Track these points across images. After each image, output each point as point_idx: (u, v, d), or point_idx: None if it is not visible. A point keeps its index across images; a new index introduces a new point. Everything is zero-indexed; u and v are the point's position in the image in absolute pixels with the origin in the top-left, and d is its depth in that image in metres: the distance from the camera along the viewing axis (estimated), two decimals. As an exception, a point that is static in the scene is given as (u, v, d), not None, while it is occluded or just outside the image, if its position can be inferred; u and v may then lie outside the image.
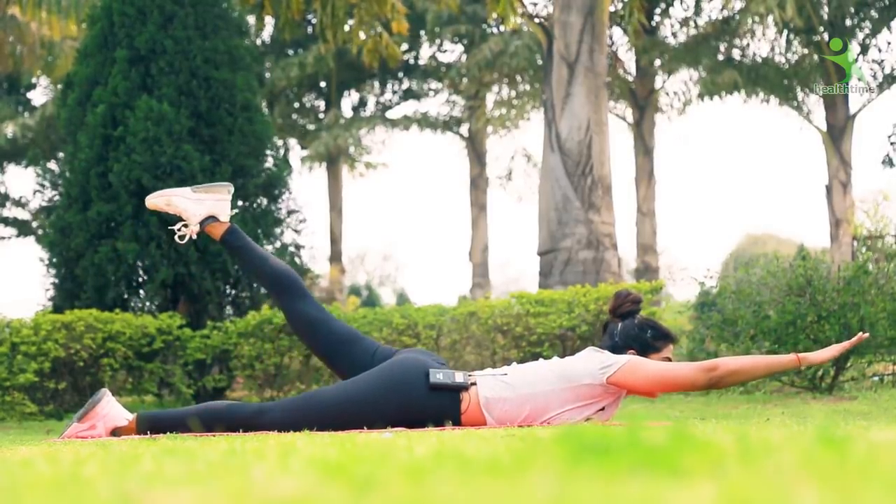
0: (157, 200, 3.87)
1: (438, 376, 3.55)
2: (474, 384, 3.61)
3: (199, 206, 3.84)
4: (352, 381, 3.65)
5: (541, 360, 3.76)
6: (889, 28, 17.66)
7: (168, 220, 7.73)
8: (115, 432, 3.67)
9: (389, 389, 3.55)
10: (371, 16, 10.75)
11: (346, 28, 11.02)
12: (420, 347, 6.96)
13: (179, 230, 3.87)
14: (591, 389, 3.54)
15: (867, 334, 3.87)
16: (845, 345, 3.70)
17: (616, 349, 3.69)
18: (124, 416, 3.69)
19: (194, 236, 3.89)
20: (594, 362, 3.57)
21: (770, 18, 16.72)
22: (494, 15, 11.16)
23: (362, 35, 10.92)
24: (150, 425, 3.66)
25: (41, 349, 6.62)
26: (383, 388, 3.57)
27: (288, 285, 3.82)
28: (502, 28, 19.55)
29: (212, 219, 3.86)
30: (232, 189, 3.92)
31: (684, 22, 18.80)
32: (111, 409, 3.70)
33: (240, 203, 8.38)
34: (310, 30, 20.08)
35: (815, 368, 6.15)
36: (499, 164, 24.80)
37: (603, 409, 3.61)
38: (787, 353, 6.07)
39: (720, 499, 0.86)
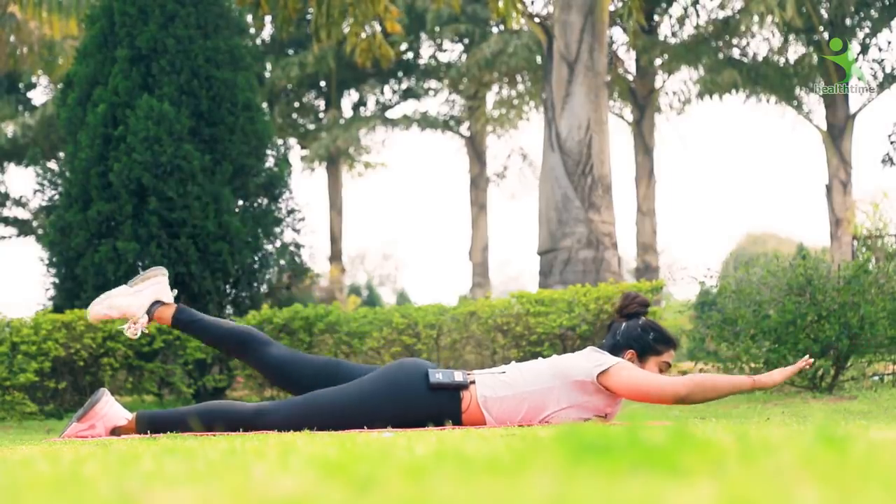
0: (99, 308, 3.77)
1: (438, 376, 3.59)
2: (473, 383, 3.63)
3: (140, 297, 3.76)
4: (352, 385, 3.66)
5: (539, 358, 3.77)
6: (889, 28, 17.65)
7: (169, 220, 7.73)
8: (115, 432, 3.67)
9: (390, 391, 3.57)
10: (365, 16, 10.76)
11: (344, 28, 11.01)
12: (419, 349, 6.97)
13: (128, 329, 3.77)
14: (584, 386, 3.56)
15: (811, 361, 3.81)
16: (793, 369, 3.66)
17: (617, 348, 3.70)
18: (123, 416, 3.70)
19: (146, 329, 3.79)
20: (591, 360, 3.60)
21: (770, 18, 16.71)
22: (495, 15, 11.15)
23: (356, 35, 10.92)
24: (149, 425, 3.66)
25: (41, 349, 6.62)
26: (384, 390, 3.58)
27: (249, 339, 3.77)
28: (502, 28, 19.54)
29: (157, 304, 3.80)
30: (165, 271, 3.84)
31: (681, 20, 18.79)
32: (110, 408, 3.70)
33: (240, 203, 8.38)
34: (309, 29, 20.08)
35: (815, 368, 6.15)
36: (495, 163, 24.82)
37: (605, 416, 3.62)
38: (787, 352, 6.07)
39: (720, 498, 0.86)
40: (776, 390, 6.36)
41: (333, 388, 3.71)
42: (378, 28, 11.45)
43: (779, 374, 3.64)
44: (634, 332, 3.71)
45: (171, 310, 3.81)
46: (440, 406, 3.56)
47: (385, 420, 3.52)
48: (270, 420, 3.58)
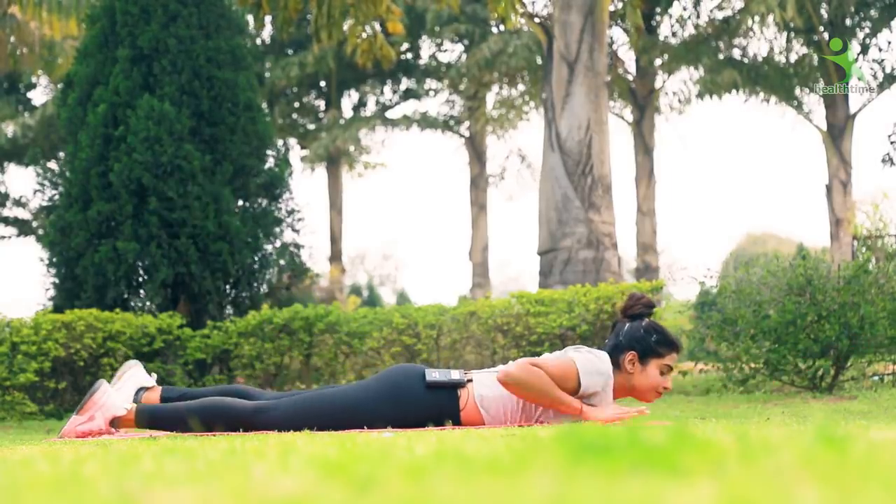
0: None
1: (434, 375, 3.64)
2: (471, 381, 3.65)
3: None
4: (352, 387, 3.71)
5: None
6: (889, 28, 17.65)
7: (169, 220, 7.73)
8: (114, 423, 3.69)
9: (389, 393, 3.61)
10: (366, 16, 10.75)
11: (344, 28, 11.01)
12: (419, 349, 6.97)
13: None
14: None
15: (647, 412, 3.74)
16: (626, 414, 3.51)
17: (618, 349, 3.70)
18: (123, 406, 3.72)
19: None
20: (563, 355, 3.61)
21: (770, 18, 16.72)
22: (495, 15, 11.16)
23: (357, 35, 10.92)
24: (149, 419, 3.68)
25: (41, 349, 6.62)
26: (383, 391, 3.62)
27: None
28: (502, 28, 19.54)
29: (141, 390, 3.80)
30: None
31: (681, 20, 18.79)
32: (108, 398, 3.72)
33: (240, 203, 8.38)
34: (309, 29, 20.07)
35: (814, 368, 6.15)
36: (493, 163, 24.82)
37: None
38: (787, 352, 6.07)
39: (720, 498, 0.86)
40: (776, 390, 6.36)
41: (335, 388, 3.73)
42: (379, 28, 11.45)
43: (608, 415, 3.48)
44: (637, 333, 3.70)
45: (157, 392, 3.84)
46: (438, 405, 3.58)
47: (385, 421, 3.54)
48: (270, 417, 3.60)
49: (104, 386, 3.75)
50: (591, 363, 3.58)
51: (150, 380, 3.87)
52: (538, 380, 3.48)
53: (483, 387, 3.62)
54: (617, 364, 3.67)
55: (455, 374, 3.65)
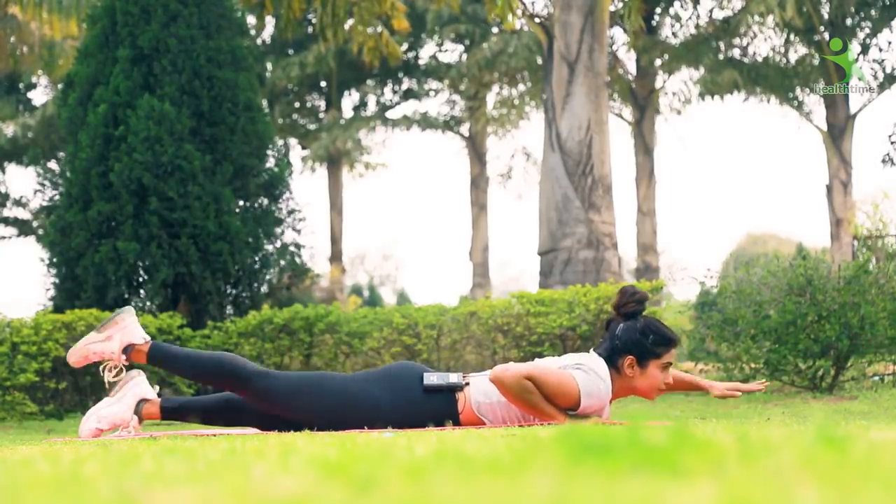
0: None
1: (432, 378, 3.63)
2: (468, 384, 3.63)
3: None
4: (353, 378, 3.71)
5: (536, 360, 3.75)
6: (889, 28, 17.65)
7: (169, 220, 7.73)
8: (127, 350, 3.78)
9: (388, 390, 3.61)
10: (371, 14, 10.76)
11: (346, 27, 11.01)
12: (419, 349, 6.97)
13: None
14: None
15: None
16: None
17: (615, 352, 3.61)
18: (142, 335, 3.82)
19: (140, 428, 3.79)
20: (566, 368, 3.57)
21: (770, 18, 16.72)
22: (492, 16, 11.16)
23: (362, 33, 10.92)
24: (161, 357, 3.81)
25: (42, 349, 6.62)
26: (383, 386, 3.62)
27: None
28: (502, 28, 19.54)
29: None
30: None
31: (681, 20, 18.79)
32: (131, 323, 3.82)
33: (241, 203, 8.38)
34: (310, 29, 20.07)
35: (815, 368, 6.16)
36: (498, 163, 24.82)
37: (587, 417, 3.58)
38: (787, 352, 6.07)
39: (720, 499, 0.86)
40: (777, 390, 6.36)
41: (342, 375, 3.75)
42: (382, 27, 11.45)
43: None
44: (633, 336, 3.61)
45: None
46: (436, 408, 3.57)
47: (382, 418, 3.54)
48: (271, 385, 3.62)
49: (130, 311, 3.84)
50: (595, 386, 3.50)
51: (152, 392, 3.87)
52: (527, 395, 3.44)
53: (480, 393, 3.60)
54: (616, 367, 3.61)
55: (453, 378, 3.64)
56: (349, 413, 3.56)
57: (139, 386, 3.85)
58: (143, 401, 3.82)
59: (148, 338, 3.85)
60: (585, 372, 3.52)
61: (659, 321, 3.74)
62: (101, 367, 3.86)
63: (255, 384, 3.64)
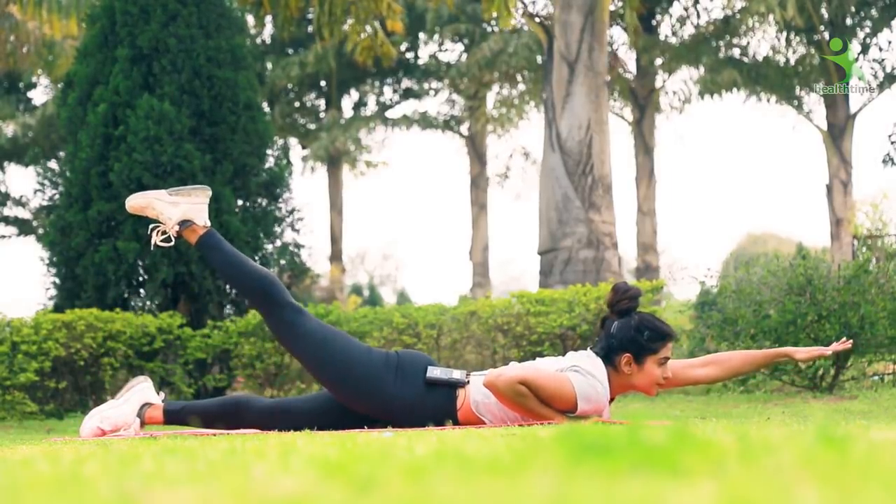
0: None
1: (435, 372, 3.64)
2: (469, 382, 3.64)
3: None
4: (369, 352, 3.72)
5: (537, 359, 3.75)
6: (889, 28, 17.65)
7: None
8: (185, 224, 3.77)
9: (394, 372, 3.64)
10: (367, 14, 10.76)
11: (344, 26, 11.01)
12: (419, 349, 6.97)
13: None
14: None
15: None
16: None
17: (611, 351, 3.59)
18: (204, 219, 3.80)
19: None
20: (564, 362, 3.57)
21: (770, 17, 16.72)
22: (488, 16, 11.16)
23: (358, 33, 10.92)
24: (211, 245, 3.79)
25: (42, 348, 6.62)
26: (389, 369, 3.64)
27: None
28: (505, 27, 19.54)
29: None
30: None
31: (681, 20, 18.79)
32: (201, 203, 3.80)
33: (240, 202, 8.38)
34: (310, 28, 20.07)
35: (815, 367, 6.16)
36: (497, 162, 24.80)
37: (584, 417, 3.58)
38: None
39: (720, 498, 0.86)
40: (777, 390, 6.36)
41: (364, 346, 3.76)
42: (379, 27, 11.46)
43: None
44: (628, 334, 3.59)
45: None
46: (435, 402, 3.58)
47: (384, 399, 3.56)
48: (301, 321, 3.67)
49: (207, 192, 3.84)
50: (592, 389, 3.48)
51: (157, 398, 3.87)
52: (522, 400, 3.44)
53: (479, 393, 3.61)
54: (613, 366, 3.60)
55: (456, 374, 3.65)
56: (352, 382, 3.57)
57: (144, 391, 3.85)
58: (146, 405, 3.82)
59: (209, 224, 3.80)
60: (583, 375, 3.50)
61: (653, 316, 3.72)
62: (149, 228, 3.84)
63: (286, 313, 3.67)
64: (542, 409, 3.46)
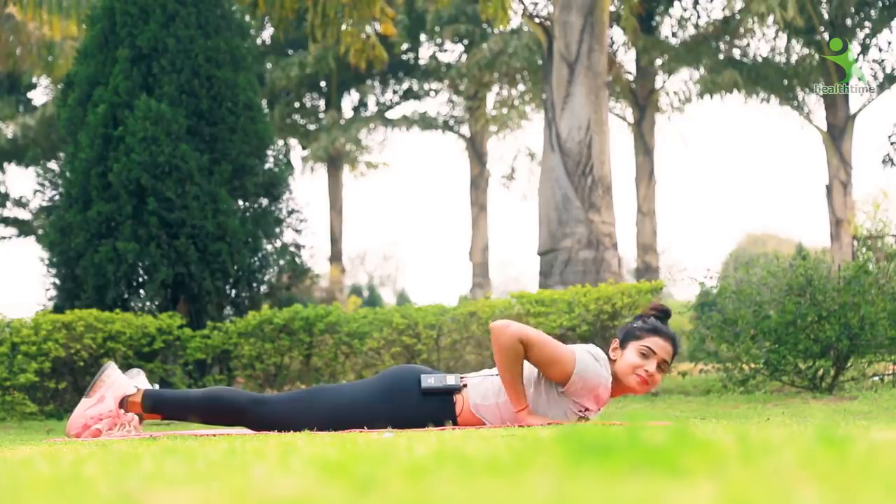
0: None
1: (430, 381, 3.64)
2: (465, 386, 3.64)
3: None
4: (351, 386, 3.75)
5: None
6: (889, 28, 17.65)
7: (168, 220, 7.73)
8: (124, 402, 3.73)
9: (385, 397, 3.62)
10: (360, 17, 10.76)
11: (343, 27, 11.02)
12: (419, 349, 6.97)
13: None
14: (558, 387, 3.55)
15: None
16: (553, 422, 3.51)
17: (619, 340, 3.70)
18: (131, 386, 3.76)
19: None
20: (573, 346, 3.65)
21: (771, 18, 16.71)
22: (485, 16, 11.17)
23: (351, 35, 10.93)
24: (152, 403, 3.73)
25: (41, 349, 6.62)
26: (380, 395, 3.63)
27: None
28: (501, 28, 19.55)
29: (123, 401, 3.75)
30: (113, 364, 3.80)
31: (681, 21, 18.79)
32: (117, 378, 3.76)
33: (240, 203, 8.38)
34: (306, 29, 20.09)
35: (815, 368, 6.16)
36: (502, 164, 24.81)
37: (586, 409, 3.58)
38: (787, 352, 6.07)
39: (720, 499, 0.86)
40: (776, 390, 6.36)
41: (335, 386, 3.76)
42: (372, 30, 11.47)
43: (538, 421, 3.48)
44: (629, 323, 3.72)
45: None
46: (433, 411, 3.58)
47: (380, 421, 3.55)
48: (266, 410, 3.63)
49: (112, 366, 3.80)
50: (594, 369, 3.49)
51: (131, 385, 3.82)
52: (511, 359, 3.45)
53: (477, 396, 3.61)
54: (608, 356, 3.66)
55: (450, 380, 3.64)
56: (347, 426, 3.55)
57: (118, 382, 3.81)
58: (124, 399, 3.80)
59: (138, 385, 3.75)
60: (593, 357, 3.56)
61: (659, 322, 3.77)
62: (99, 433, 3.72)
63: (252, 412, 3.65)
64: (518, 385, 3.49)
